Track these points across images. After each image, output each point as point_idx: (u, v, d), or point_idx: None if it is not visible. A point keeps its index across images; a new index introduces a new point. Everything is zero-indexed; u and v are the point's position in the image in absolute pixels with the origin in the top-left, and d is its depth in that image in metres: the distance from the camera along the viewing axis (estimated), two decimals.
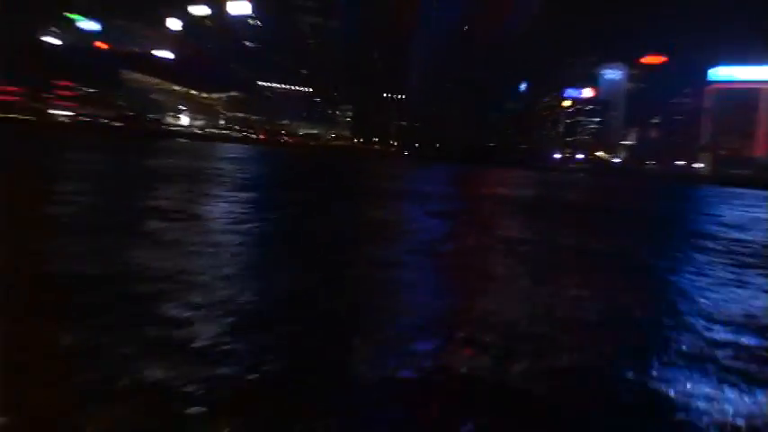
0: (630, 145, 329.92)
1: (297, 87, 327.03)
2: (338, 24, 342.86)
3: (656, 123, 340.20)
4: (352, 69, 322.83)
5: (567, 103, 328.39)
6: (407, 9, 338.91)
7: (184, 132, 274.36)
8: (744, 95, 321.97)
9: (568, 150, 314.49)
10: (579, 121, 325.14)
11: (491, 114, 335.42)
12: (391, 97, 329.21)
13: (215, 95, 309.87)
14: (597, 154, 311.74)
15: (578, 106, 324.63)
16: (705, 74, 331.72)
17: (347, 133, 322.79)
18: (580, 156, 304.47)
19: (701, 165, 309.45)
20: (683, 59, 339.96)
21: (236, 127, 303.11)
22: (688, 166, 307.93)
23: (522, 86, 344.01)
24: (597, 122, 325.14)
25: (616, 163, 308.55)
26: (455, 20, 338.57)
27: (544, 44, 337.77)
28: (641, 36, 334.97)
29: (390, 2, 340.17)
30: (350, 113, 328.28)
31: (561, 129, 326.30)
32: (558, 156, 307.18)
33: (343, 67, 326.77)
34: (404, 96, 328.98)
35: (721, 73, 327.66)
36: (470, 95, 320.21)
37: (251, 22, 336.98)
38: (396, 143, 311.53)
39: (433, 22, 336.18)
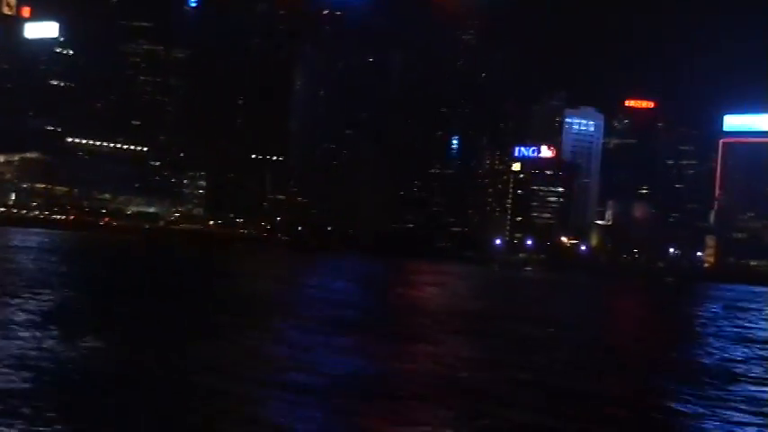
0: (606, 226, 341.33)
1: (124, 146, 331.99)
2: (185, 54, 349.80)
3: (643, 195, 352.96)
4: (205, 119, 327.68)
5: (516, 167, 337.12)
6: (287, 25, 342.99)
7: None
8: None
9: (517, 234, 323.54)
10: (534, 192, 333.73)
11: (411, 183, 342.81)
12: (264, 159, 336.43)
13: (2, 158, 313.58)
14: (560, 240, 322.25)
15: (533, 171, 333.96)
16: (716, 123, 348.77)
17: (199, 212, 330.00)
18: (531, 242, 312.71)
19: (706, 253, 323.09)
20: (684, 105, 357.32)
21: (34, 204, 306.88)
22: (687, 256, 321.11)
23: (455, 142, 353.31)
24: (560, 194, 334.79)
25: (583, 252, 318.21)
26: (359, 42, 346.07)
27: (485, 80, 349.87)
28: (623, 74, 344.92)
29: (263, 18, 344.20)
30: (203, 183, 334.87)
31: (509, 203, 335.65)
32: (500, 242, 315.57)
33: (193, 117, 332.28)
34: (282, 158, 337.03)
35: (738, 122, 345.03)
36: (381, 154, 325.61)
37: (58, 50, 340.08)
38: (270, 225, 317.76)
39: (327, 45, 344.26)
